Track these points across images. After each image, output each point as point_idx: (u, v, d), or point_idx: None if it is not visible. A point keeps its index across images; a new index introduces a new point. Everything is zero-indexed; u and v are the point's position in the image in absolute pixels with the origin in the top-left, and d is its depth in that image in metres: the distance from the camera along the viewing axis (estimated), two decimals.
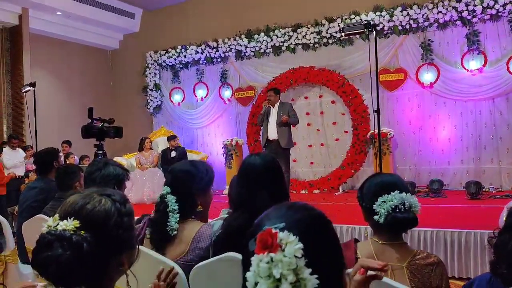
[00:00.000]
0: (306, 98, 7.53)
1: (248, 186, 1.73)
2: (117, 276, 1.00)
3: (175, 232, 1.76)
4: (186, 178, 1.84)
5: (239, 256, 1.47)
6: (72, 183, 2.78)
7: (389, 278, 1.31)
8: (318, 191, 7.07)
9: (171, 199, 1.79)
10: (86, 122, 3.80)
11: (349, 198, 5.82)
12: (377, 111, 4.44)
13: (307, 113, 7.48)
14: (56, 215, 0.94)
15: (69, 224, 0.90)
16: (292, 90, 7.53)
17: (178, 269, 1.60)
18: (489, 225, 3.52)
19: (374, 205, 1.46)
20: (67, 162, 6.84)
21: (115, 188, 2.04)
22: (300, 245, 0.68)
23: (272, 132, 5.72)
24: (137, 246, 1.05)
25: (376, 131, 4.67)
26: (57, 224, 0.91)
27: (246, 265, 0.72)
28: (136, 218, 2.18)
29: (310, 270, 0.67)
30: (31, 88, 6.26)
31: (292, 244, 0.68)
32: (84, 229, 0.90)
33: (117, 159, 7.37)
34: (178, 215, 1.77)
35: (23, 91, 6.57)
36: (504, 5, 5.96)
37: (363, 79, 6.71)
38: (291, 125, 5.84)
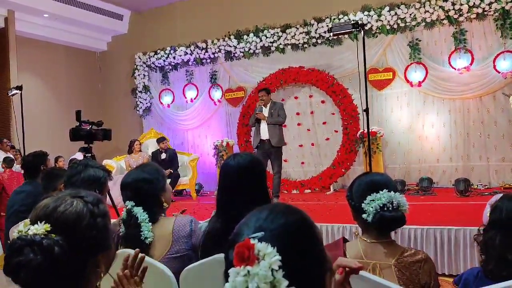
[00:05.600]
0: (296, 98, 7.54)
1: (225, 189, 1.74)
2: (95, 278, 0.98)
3: (150, 240, 1.79)
4: (148, 185, 1.86)
5: None
6: (56, 186, 2.73)
7: (377, 276, 1.32)
8: (309, 190, 7.09)
9: (138, 210, 1.81)
10: (74, 124, 3.77)
11: (340, 197, 5.84)
12: (366, 111, 4.48)
13: (297, 113, 7.50)
14: (27, 220, 0.92)
15: (40, 228, 0.88)
16: (282, 90, 7.54)
17: (165, 269, 1.61)
18: (478, 221, 3.56)
19: (362, 204, 1.47)
20: (56, 166, 6.77)
21: (96, 191, 2.01)
22: (278, 257, 0.67)
23: (264, 131, 5.74)
24: (113, 247, 1.03)
25: (366, 130, 4.70)
26: (28, 229, 0.89)
27: (227, 275, 0.70)
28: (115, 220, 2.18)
29: (287, 282, 0.66)
30: (18, 91, 6.19)
31: (269, 256, 0.66)
32: (56, 232, 0.89)
33: (107, 161, 7.33)
34: (149, 223, 1.81)
35: (10, 94, 6.48)
36: (490, 4, 6.03)
37: (352, 79, 6.73)
38: (280, 124, 5.84)
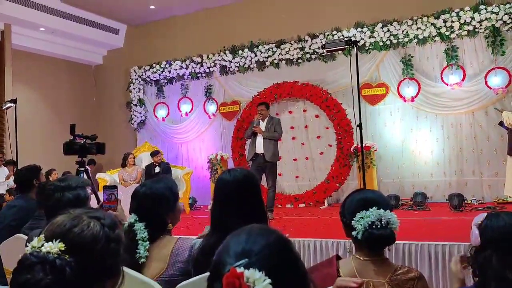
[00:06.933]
0: (290, 112, 7.59)
1: (221, 204, 1.71)
2: None
3: (143, 260, 1.73)
4: (152, 204, 1.80)
5: None
6: None
7: None
8: (303, 205, 7.07)
9: (139, 227, 1.76)
10: (68, 138, 3.75)
11: (335, 212, 5.79)
12: (360, 126, 4.50)
13: (292, 127, 7.53)
14: (42, 236, 0.90)
15: (54, 247, 0.86)
16: (276, 104, 7.58)
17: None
18: None
19: (352, 221, 1.47)
20: (50, 179, 6.72)
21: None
22: (268, 280, 0.66)
23: (259, 145, 5.75)
24: (121, 272, 1.00)
25: (360, 144, 4.72)
26: (42, 245, 0.87)
27: None
28: None
29: None
30: (13, 104, 6.16)
31: (260, 281, 0.66)
32: (69, 253, 0.87)
33: (100, 175, 7.28)
34: (147, 242, 1.75)
35: (4, 107, 6.45)
36: (481, 21, 6.16)
37: (346, 94, 6.79)
38: (275, 140, 5.85)
